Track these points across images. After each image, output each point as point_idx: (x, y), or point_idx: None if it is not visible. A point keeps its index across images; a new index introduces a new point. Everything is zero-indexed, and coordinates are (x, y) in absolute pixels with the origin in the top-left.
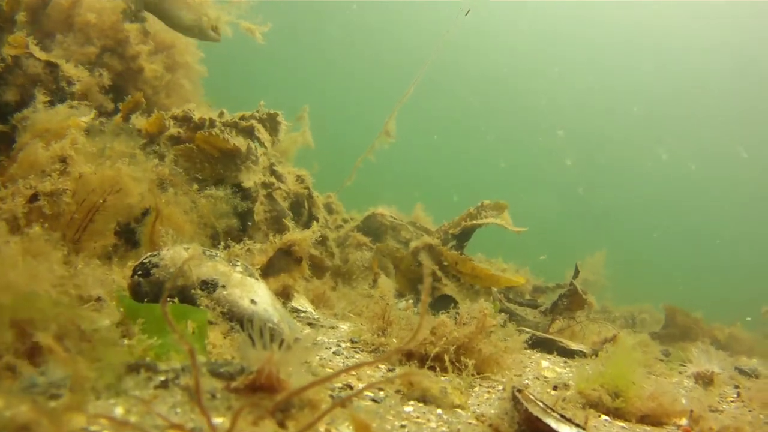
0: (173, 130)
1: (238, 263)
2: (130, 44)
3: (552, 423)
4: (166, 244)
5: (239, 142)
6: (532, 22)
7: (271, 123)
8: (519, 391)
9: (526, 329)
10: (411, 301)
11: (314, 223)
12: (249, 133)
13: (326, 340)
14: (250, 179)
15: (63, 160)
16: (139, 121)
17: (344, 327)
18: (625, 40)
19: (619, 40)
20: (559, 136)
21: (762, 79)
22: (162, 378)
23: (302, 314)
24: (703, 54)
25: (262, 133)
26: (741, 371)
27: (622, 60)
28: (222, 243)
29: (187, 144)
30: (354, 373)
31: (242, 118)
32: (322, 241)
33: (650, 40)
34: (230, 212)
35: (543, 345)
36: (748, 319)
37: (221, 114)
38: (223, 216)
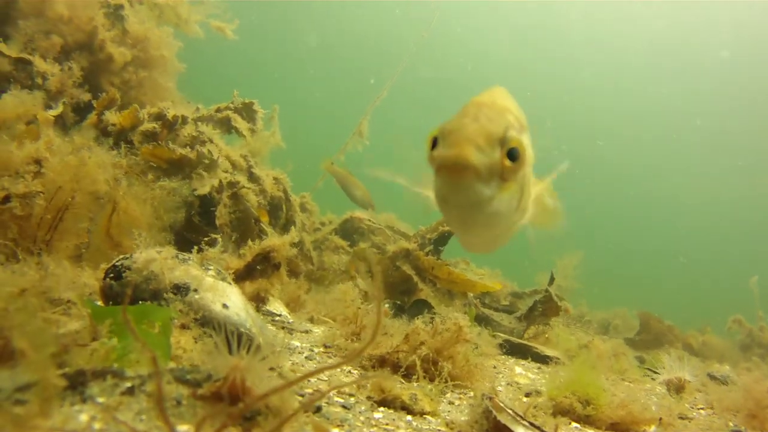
0: (148, 125)
1: (211, 267)
2: (99, 34)
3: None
4: (138, 246)
5: (186, 150)
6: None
7: (247, 112)
8: (489, 398)
9: (501, 335)
10: (387, 305)
11: (292, 228)
12: (226, 123)
13: (299, 344)
14: (205, 185)
15: (37, 161)
16: (112, 116)
17: (318, 331)
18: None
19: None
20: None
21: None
22: (128, 384)
23: (277, 318)
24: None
25: (239, 122)
26: (713, 378)
27: (601, 64)
28: (195, 247)
29: (134, 158)
30: (326, 379)
31: (218, 110)
32: (299, 245)
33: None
34: (182, 204)
35: (517, 351)
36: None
37: (197, 110)
38: (176, 209)
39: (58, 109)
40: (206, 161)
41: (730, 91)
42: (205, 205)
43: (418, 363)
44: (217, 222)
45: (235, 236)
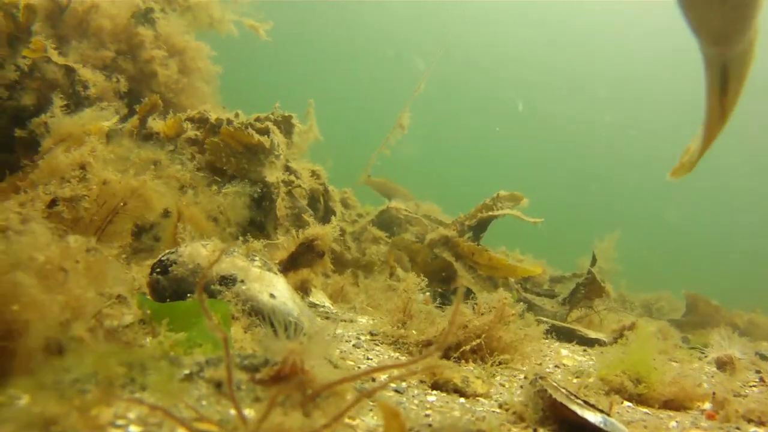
0: (191, 132)
1: (257, 258)
2: (145, 49)
3: (577, 409)
4: (184, 240)
5: (264, 137)
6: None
7: (285, 125)
8: (541, 378)
9: (545, 319)
10: (428, 294)
11: (332, 218)
12: (264, 134)
13: (345, 333)
14: (273, 174)
15: (82, 166)
16: (156, 124)
17: (362, 320)
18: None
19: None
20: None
21: None
22: (186, 371)
23: (320, 309)
24: None
25: (277, 135)
26: (762, 356)
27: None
28: (240, 238)
29: (212, 138)
30: (375, 363)
31: (257, 119)
32: (341, 234)
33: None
34: (249, 204)
35: (562, 334)
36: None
37: (236, 115)
38: (244, 208)
39: (113, 120)
40: (276, 152)
41: None
42: (254, 207)
43: (467, 348)
44: (278, 213)
45: (292, 230)
